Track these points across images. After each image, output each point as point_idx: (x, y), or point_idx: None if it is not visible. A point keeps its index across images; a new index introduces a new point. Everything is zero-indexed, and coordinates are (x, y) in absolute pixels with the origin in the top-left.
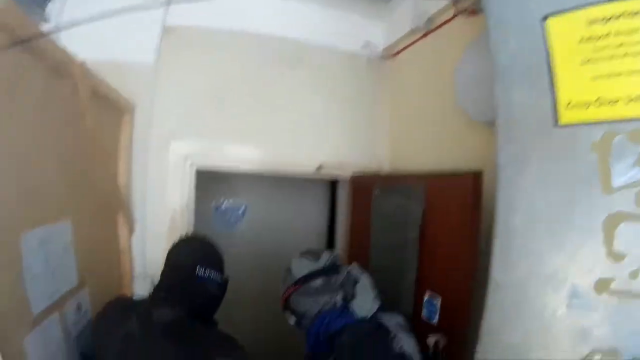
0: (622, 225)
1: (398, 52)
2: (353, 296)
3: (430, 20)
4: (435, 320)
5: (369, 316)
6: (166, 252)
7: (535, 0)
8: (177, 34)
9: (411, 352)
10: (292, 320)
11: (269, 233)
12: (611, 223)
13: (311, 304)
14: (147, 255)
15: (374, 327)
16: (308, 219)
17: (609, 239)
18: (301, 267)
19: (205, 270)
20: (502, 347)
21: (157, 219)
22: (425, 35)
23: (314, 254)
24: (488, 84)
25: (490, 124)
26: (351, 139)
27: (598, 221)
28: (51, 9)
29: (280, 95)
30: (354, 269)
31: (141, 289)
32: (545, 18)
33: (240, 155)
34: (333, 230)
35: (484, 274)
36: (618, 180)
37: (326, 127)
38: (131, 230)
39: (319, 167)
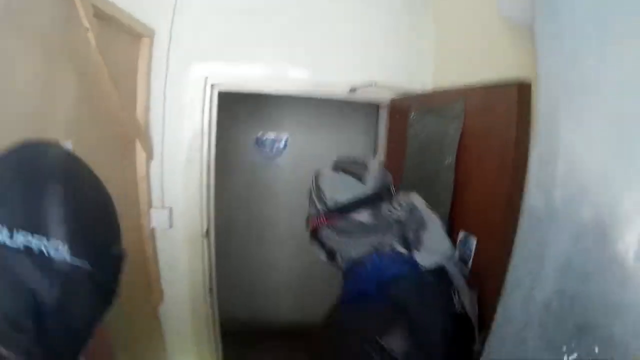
0: None
1: None
2: (418, 243)
3: None
4: (469, 264)
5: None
6: (184, 182)
7: None
8: None
9: (472, 310)
10: (321, 255)
11: (311, 164)
12: None
13: (352, 245)
14: (164, 185)
15: (437, 277)
16: (353, 148)
17: None
18: (340, 188)
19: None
20: (532, 307)
21: (175, 146)
22: None
23: (357, 167)
24: None
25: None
26: (393, 58)
27: None
28: None
29: (313, 9)
30: (418, 201)
31: (159, 219)
32: None
33: (265, 75)
34: None
35: None
36: None
37: (365, 45)
38: (149, 157)
39: (352, 89)
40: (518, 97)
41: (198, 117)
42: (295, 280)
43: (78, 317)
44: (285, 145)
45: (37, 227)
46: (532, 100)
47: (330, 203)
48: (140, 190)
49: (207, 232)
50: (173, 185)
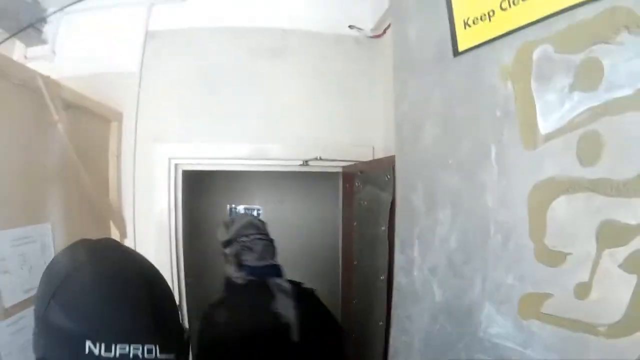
0: (558, 202)
1: (385, 30)
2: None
3: None
4: None
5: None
6: (155, 259)
7: None
8: (159, 39)
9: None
10: None
11: (282, 233)
12: (540, 198)
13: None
14: None
15: (257, 288)
16: (320, 215)
17: (537, 226)
18: (220, 234)
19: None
20: None
21: (146, 223)
22: None
23: (229, 224)
24: None
25: None
26: (343, 128)
27: (519, 197)
28: (47, 30)
29: (266, 87)
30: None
31: None
32: None
33: (224, 153)
34: None
35: None
36: (547, 122)
37: (314, 117)
38: (123, 235)
39: (305, 162)
40: None
41: (165, 195)
42: None
43: None
44: (259, 215)
45: (133, 339)
46: None
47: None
48: None
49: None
50: None
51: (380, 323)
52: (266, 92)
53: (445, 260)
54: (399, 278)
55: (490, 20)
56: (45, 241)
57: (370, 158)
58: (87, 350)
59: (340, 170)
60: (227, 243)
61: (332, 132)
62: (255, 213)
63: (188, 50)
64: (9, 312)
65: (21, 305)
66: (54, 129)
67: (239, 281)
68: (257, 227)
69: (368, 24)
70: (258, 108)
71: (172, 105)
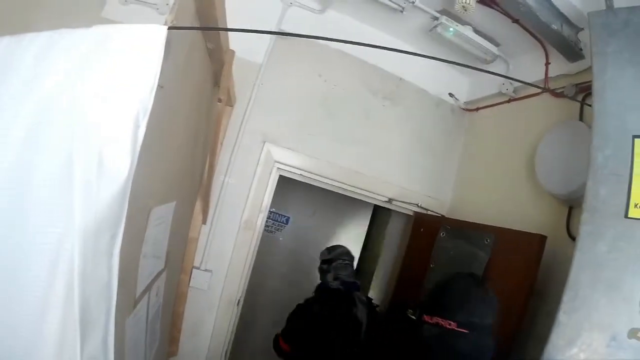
0: None
1: (479, 108)
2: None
3: (517, 90)
4: None
5: (340, 289)
6: (232, 248)
7: (632, 122)
8: (289, 42)
9: (363, 318)
10: None
11: (306, 244)
12: None
13: (320, 273)
14: (211, 249)
15: (345, 295)
16: (344, 237)
17: None
18: (321, 254)
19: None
20: None
21: (232, 215)
22: (509, 101)
23: (330, 250)
24: (565, 165)
25: (559, 197)
26: (421, 177)
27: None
28: None
29: (374, 123)
30: (338, 266)
31: (199, 279)
32: (636, 137)
33: (322, 171)
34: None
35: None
36: None
37: (404, 162)
38: (204, 221)
39: (390, 200)
40: (539, 244)
41: (260, 194)
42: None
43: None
44: (287, 222)
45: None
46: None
47: (320, 258)
48: (188, 249)
49: (239, 301)
50: (219, 251)
51: None
52: (373, 129)
53: None
54: (560, 315)
55: None
56: (168, 222)
57: (439, 211)
58: None
59: (409, 213)
60: (328, 261)
61: (413, 180)
62: (285, 218)
63: (315, 63)
64: (136, 302)
65: (143, 293)
66: (215, 107)
67: (334, 286)
68: (350, 256)
69: (463, 97)
70: (364, 141)
71: (288, 112)
